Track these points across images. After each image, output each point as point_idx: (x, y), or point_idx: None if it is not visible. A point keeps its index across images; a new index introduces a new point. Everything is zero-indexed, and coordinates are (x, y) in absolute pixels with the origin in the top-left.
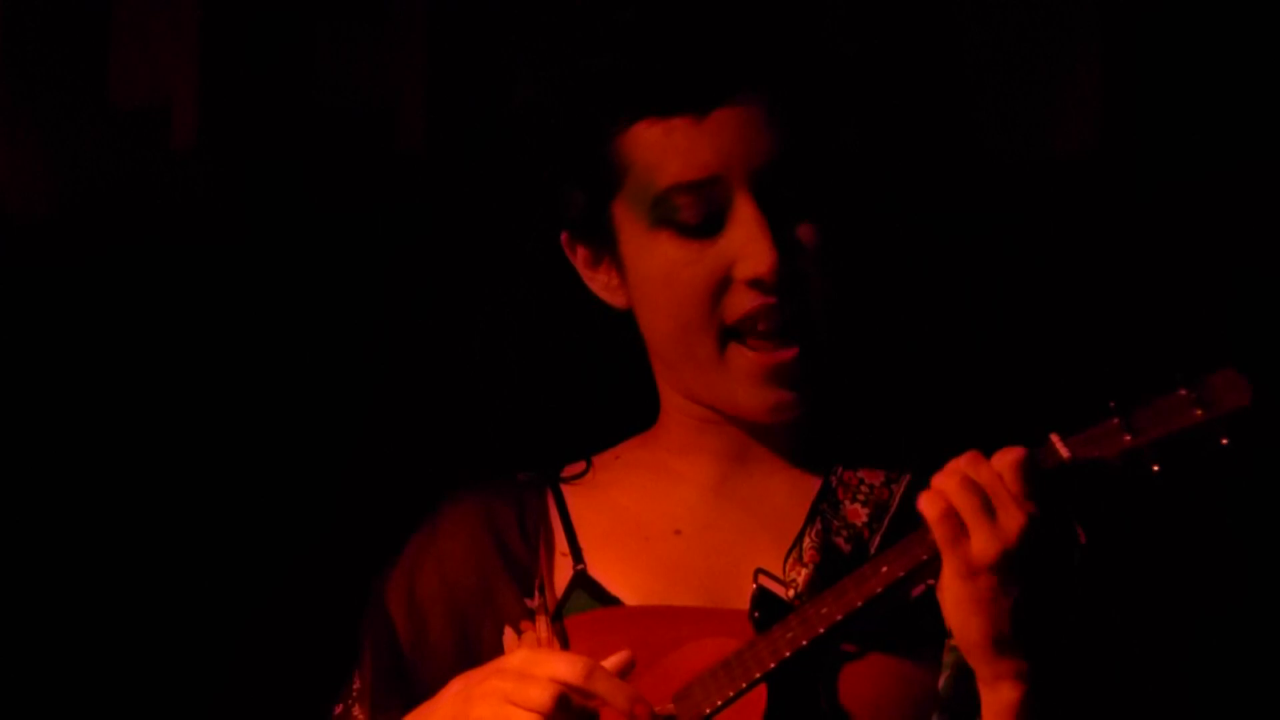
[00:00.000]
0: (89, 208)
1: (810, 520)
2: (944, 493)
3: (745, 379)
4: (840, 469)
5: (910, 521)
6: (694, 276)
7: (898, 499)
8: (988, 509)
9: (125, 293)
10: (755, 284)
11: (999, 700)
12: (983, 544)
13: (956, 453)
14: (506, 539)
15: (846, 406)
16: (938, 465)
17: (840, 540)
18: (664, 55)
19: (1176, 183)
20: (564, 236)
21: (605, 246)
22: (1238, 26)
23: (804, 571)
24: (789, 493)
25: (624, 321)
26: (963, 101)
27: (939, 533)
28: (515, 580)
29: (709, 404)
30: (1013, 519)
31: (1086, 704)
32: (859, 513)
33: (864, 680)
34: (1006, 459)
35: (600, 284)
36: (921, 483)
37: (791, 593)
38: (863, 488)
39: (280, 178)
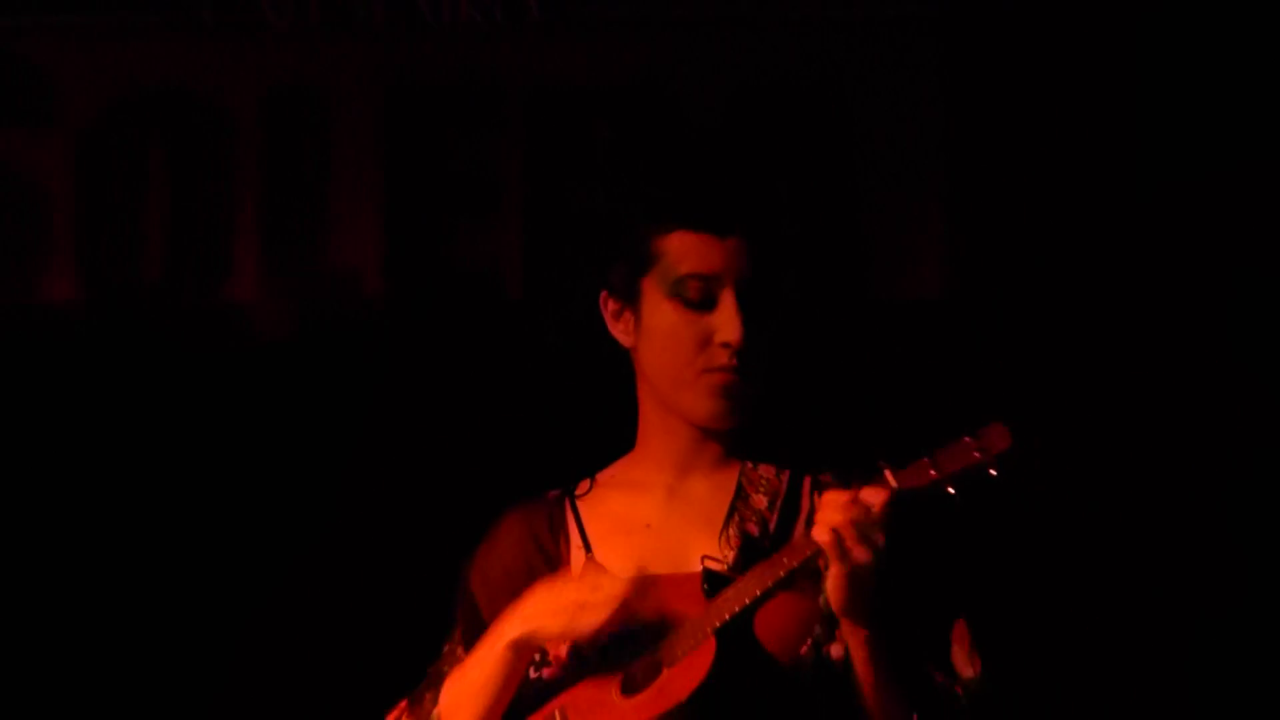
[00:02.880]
0: (317, 340)
1: (730, 514)
2: (829, 525)
3: (704, 394)
4: (747, 466)
5: (792, 500)
6: (691, 335)
7: (784, 487)
8: (860, 531)
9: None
10: (725, 345)
11: (859, 642)
12: (862, 553)
13: (821, 454)
14: (541, 539)
15: (754, 429)
16: (807, 462)
17: (751, 525)
18: (700, 195)
19: (1015, 335)
20: (603, 294)
21: (630, 304)
22: (1077, 183)
23: (731, 553)
24: (715, 491)
25: (624, 359)
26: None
27: (830, 550)
28: (548, 565)
29: (678, 411)
30: (879, 536)
31: (912, 646)
32: (761, 500)
33: (771, 611)
34: (877, 497)
35: (619, 329)
36: (797, 475)
37: (725, 566)
38: (762, 480)
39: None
